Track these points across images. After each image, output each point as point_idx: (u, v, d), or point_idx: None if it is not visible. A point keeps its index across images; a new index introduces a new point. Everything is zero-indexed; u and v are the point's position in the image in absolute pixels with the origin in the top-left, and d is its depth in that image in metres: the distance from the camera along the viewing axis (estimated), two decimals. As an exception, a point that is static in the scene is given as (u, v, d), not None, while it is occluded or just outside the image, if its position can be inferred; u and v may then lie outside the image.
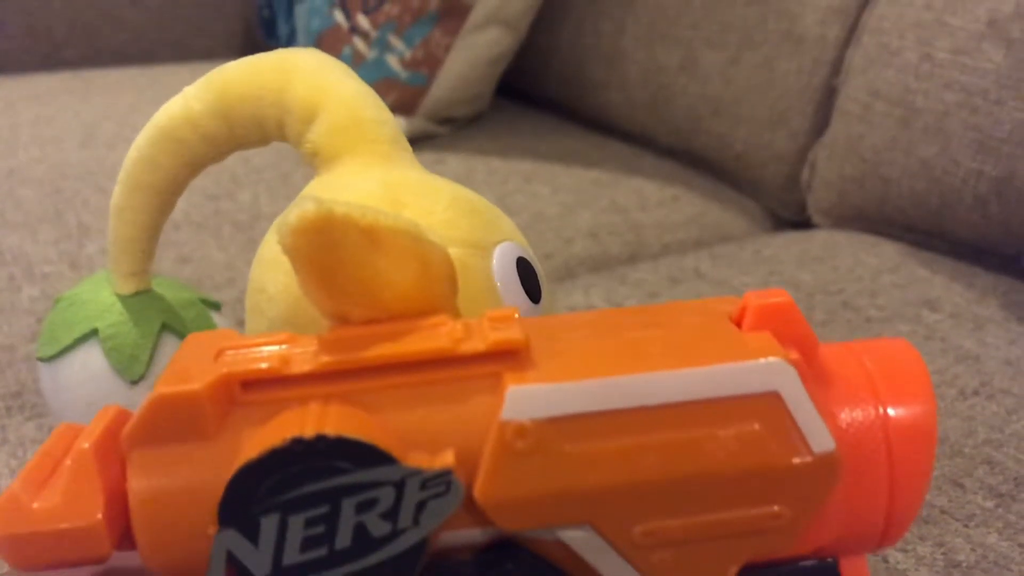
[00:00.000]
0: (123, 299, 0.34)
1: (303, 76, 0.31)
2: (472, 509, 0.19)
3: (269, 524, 0.18)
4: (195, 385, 0.19)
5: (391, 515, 0.18)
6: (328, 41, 0.77)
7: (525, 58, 0.84)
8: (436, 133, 0.79)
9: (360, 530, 0.18)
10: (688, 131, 0.78)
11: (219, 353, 0.20)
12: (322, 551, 0.18)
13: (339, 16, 0.76)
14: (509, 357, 0.20)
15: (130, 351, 0.33)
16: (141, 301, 0.34)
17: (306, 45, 0.79)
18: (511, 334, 0.20)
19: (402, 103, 0.75)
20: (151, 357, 0.33)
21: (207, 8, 1.02)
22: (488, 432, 0.18)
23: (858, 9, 0.68)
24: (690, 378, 0.19)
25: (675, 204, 0.72)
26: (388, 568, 0.18)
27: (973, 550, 0.33)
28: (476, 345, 0.20)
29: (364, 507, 0.18)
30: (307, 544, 0.18)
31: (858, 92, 0.65)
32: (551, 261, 0.63)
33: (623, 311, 0.23)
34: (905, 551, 0.33)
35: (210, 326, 0.36)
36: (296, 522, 0.18)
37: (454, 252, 0.26)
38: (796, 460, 0.19)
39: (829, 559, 0.20)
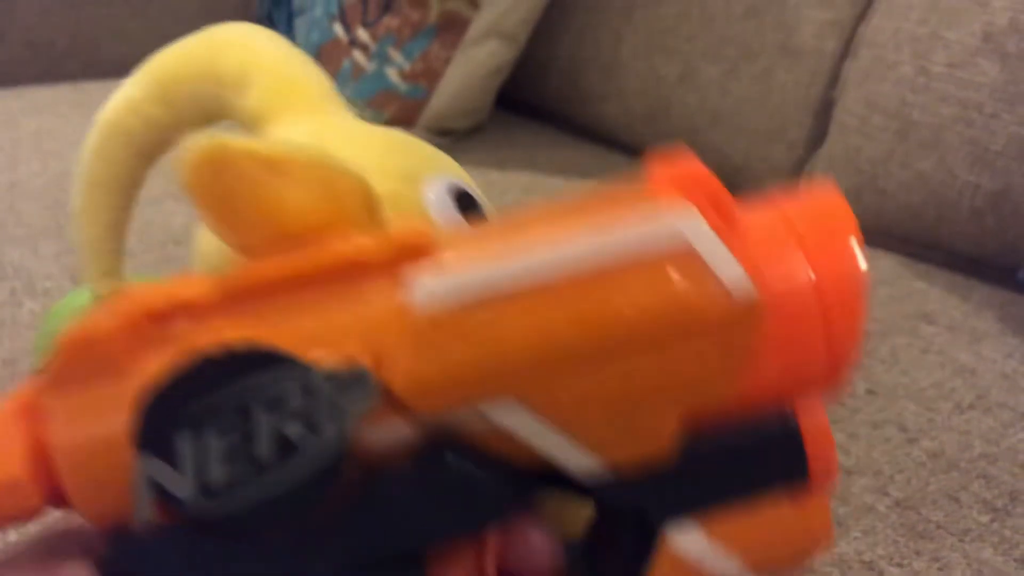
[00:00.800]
0: (98, 300, 0.34)
1: (231, 48, 0.31)
2: (392, 401, 0.18)
3: (185, 443, 0.17)
4: (101, 324, 0.19)
5: (305, 415, 0.18)
6: (328, 54, 0.77)
7: (524, 70, 0.84)
8: (436, 145, 0.79)
9: (277, 436, 0.18)
10: (686, 142, 0.78)
11: (129, 296, 0.20)
12: (244, 463, 0.18)
13: (339, 29, 0.77)
14: (414, 254, 0.19)
15: None
16: None
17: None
18: (414, 234, 0.19)
19: (401, 115, 0.76)
20: None
21: (207, 20, 1.03)
22: (396, 324, 0.18)
23: (854, 22, 0.68)
24: (594, 238, 0.18)
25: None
26: (314, 473, 0.18)
27: (969, 565, 0.33)
28: (381, 248, 0.19)
29: (275, 409, 0.18)
30: (228, 458, 0.18)
31: (855, 105, 0.65)
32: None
33: (537, 207, 0.22)
34: (901, 566, 0.33)
35: None
36: (211, 436, 0.18)
37: (386, 184, 0.26)
38: (715, 305, 0.18)
39: (787, 415, 0.20)
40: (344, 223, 0.20)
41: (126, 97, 0.32)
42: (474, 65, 0.77)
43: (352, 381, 0.18)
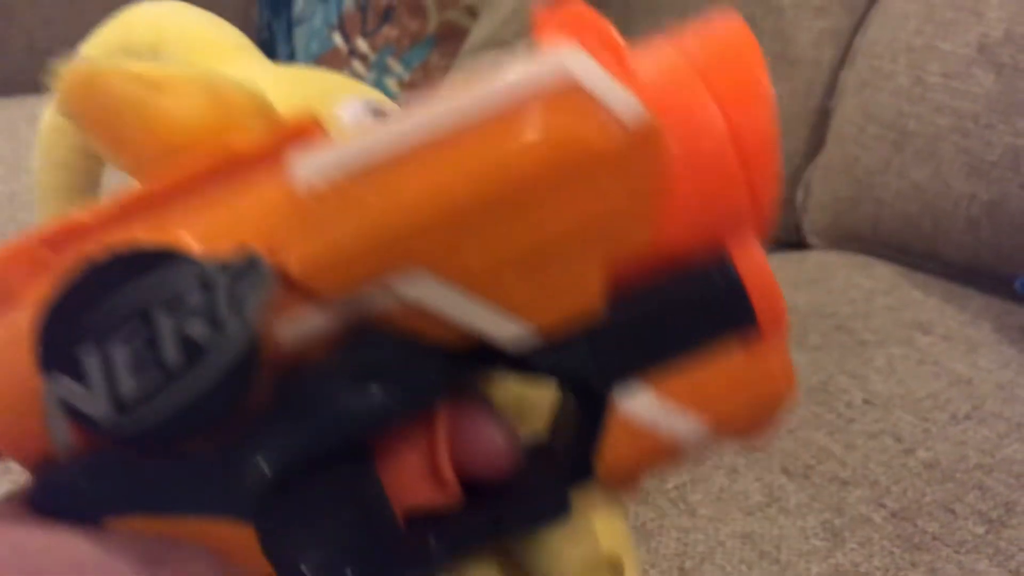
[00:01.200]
0: None
1: (140, 23, 0.32)
2: (295, 288, 0.17)
3: (90, 357, 0.17)
4: None
5: (210, 316, 0.17)
6: (327, 63, 0.78)
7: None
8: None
9: (185, 340, 0.17)
10: (684, 152, 0.78)
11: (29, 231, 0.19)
12: (155, 372, 0.17)
13: (338, 39, 0.77)
14: (300, 138, 0.18)
15: None
16: None
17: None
18: (299, 120, 0.19)
19: (400, 125, 0.76)
20: None
21: (207, 29, 1.03)
22: (284, 207, 0.17)
23: (851, 32, 0.69)
24: (474, 94, 0.17)
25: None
26: (228, 373, 0.17)
27: (964, 577, 0.34)
28: (263, 138, 0.19)
29: (179, 312, 0.17)
30: (138, 368, 0.17)
31: (852, 114, 0.66)
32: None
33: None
34: (897, 578, 0.34)
35: None
36: (117, 347, 0.17)
37: (293, 105, 0.25)
38: (609, 138, 0.17)
39: (720, 255, 0.18)
40: (237, 132, 0.19)
41: (51, 114, 0.33)
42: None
43: (246, 268, 0.17)
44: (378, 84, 0.76)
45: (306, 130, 0.18)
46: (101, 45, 0.32)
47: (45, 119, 0.33)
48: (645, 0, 0.80)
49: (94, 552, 0.17)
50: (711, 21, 0.20)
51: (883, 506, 0.37)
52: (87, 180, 0.34)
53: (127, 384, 0.17)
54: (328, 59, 0.78)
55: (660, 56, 0.19)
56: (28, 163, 0.75)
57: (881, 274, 0.60)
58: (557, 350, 0.18)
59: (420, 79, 0.76)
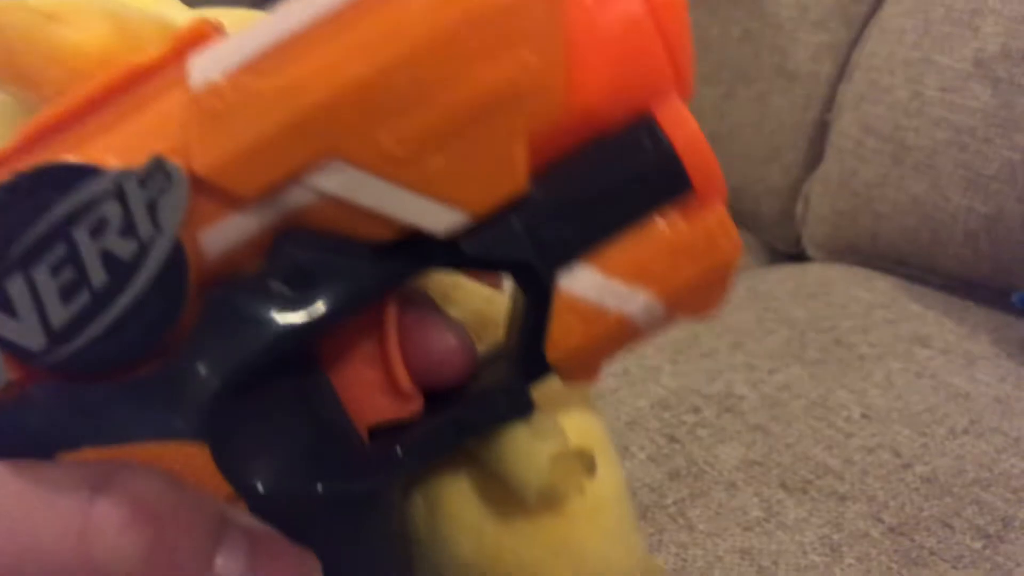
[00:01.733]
0: None
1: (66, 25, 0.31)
2: (211, 193, 0.17)
3: (16, 286, 0.16)
4: None
5: (129, 228, 0.16)
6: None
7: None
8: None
9: (108, 258, 0.17)
10: (684, 165, 0.79)
11: None
12: (84, 296, 0.17)
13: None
14: (198, 43, 0.18)
15: None
16: None
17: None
18: (194, 25, 0.18)
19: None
20: None
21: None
22: (186, 110, 0.17)
23: (849, 46, 0.69)
24: None
25: None
26: (157, 288, 0.17)
27: (961, 592, 0.34)
28: (160, 48, 0.18)
29: (98, 230, 0.16)
30: (65, 294, 0.16)
31: (850, 128, 0.66)
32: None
33: None
34: (894, 593, 0.34)
35: None
36: (42, 274, 0.16)
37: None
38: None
39: (643, 114, 0.18)
40: (139, 51, 0.19)
41: None
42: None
43: (156, 174, 0.17)
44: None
45: (203, 34, 0.18)
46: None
47: None
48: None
49: (36, 483, 0.16)
50: None
51: (881, 521, 0.38)
52: None
53: (57, 311, 0.16)
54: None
55: None
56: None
57: (880, 287, 0.61)
58: (490, 235, 0.18)
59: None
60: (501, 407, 0.19)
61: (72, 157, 0.17)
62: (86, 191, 0.17)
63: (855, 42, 0.69)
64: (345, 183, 0.17)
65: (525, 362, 0.19)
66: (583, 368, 0.19)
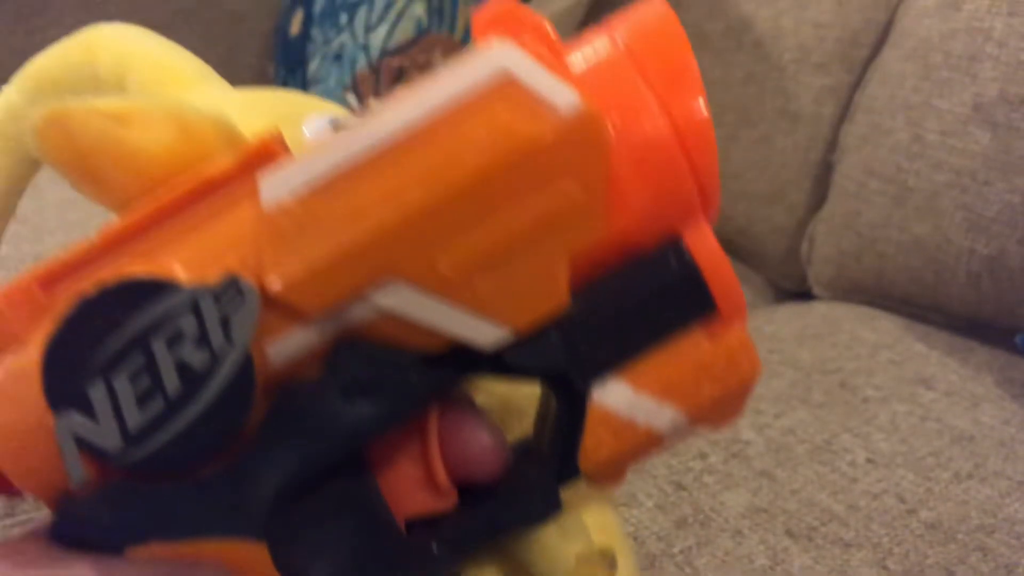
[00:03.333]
0: None
1: (107, 48, 0.32)
2: (279, 309, 0.18)
3: (98, 392, 0.18)
4: None
5: (203, 340, 0.18)
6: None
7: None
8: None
9: (183, 368, 0.18)
10: (690, 204, 0.80)
11: (19, 274, 0.20)
12: (159, 403, 0.18)
13: (352, 100, 0.79)
14: (265, 159, 0.19)
15: None
16: None
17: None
18: (261, 141, 0.19)
19: (412, 182, 0.78)
20: None
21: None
22: (257, 227, 0.18)
23: (851, 89, 0.70)
24: (419, 99, 0.18)
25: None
26: (227, 398, 0.18)
27: (965, 641, 0.34)
28: (229, 162, 0.19)
29: (174, 342, 0.18)
30: (142, 400, 0.18)
31: (853, 170, 0.67)
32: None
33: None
34: (899, 642, 0.34)
35: None
36: (121, 381, 0.18)
37: (257, 127, 0.26)
38: (550, 128, 0.18)
39: (674, 239, 0.19)
40: (203, 155, 0.20)
41: (6, 102, 0.32)
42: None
43: (232, 292, 0.18)
44: (390, 143, 0.78)
45: (270, 149, 0.19)
46: (64, 65, 0.32)
47: None
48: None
49: None
50: (638, 8, 0.21)
51: (886, 568, 0.38)
52: (16, 185, 0.34)
53: (133, 415, 0.18)
54: (342, 119, 0.80)
55: (595, 48, 0.20)
56: (53, 225, 0.77)
57: (885, 327, 0.61)
58: (531, 348, 0.19)
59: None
60: (534, 508, 0.20)
61: (145, 267, 0.18)
62: (165, 305, 0.18)
63: (857, 85, 0.70)
64: (401, 301, 0.18)
65: (557, 466, 0.20)
66: (611, 475, 0.20)
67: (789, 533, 0.40)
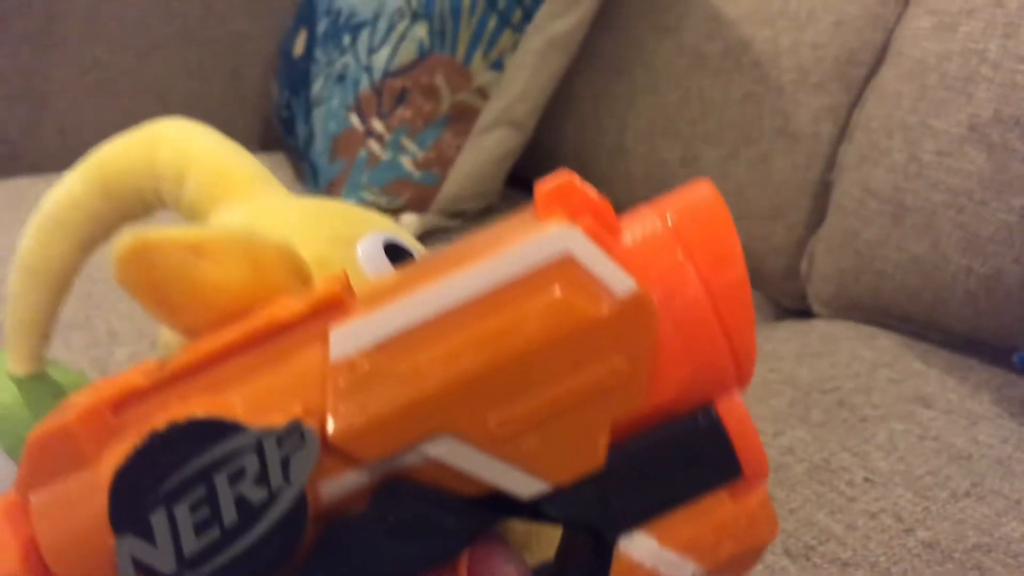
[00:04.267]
0: (18, 381, 0.35)
1: (168, 144, 0.33)
2: (335, 453, 0.20)
3: (159, 520, 0.19)
4: (66, 418, 0.20)
5: (262, 479, 0.19)
6: (344, 143, 0.81)
7: (533, 153, 0.88)
8: (448, 227, 0.82)
9: (241, 501, 0.19)
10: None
11: (92, 390, 0.21)
12: (215, 532, 0.19)
13: (355, 120, 0.80)
14: (333, 308, 0.21)
15: (22, 432, 0.35)
16: (35, 383, 0.36)
17: (323, 146, 0.83)
18: (330, 288, 0.21)
19: (415, 201, 0.79)
20: None
21: (228, 106, 1.07)
22: (323, 377, 0.20)
23: (849, 108, 0.71)
24: (484, 268, 0.20)
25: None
26: (279, 531, 0.19)
27: (961, 660, 0.34)
28: (299, 307, 0.21)
29: (236, 478, 0.19)
30: (199, 529, 0.19)
31: (851, 188, 0.68)
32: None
33: (449, 245, 0.24)
34: (896, 661, 0.34)
35: None
36: (182, 510, 0.19)
37: (316, 248, 0.28)
38: (605, 309, 0.19)
39: (706, 406, 0.21)
40: (273, 292, 0.22)
41: (68, 191, 0.34)
42: (484, 152, 0.80)
43: (294, 437, 0.19)
44: (393, 162, 0.78)
45: (338, 298, 0.21)
46: (126, 158, 0.33)
47: (49, 207, 0.34)
48: (647, 76, 0.83)
49: None
50: (687, 189, 0.23)
51: (883, 587, 0.38)
52: (71, 270, 0.35)
53: (190, 543, 0.19)
54: (346, 139, 0.81)
55: (645, 225, 0.22)
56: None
57: (884, 345, 0.62)
58: (567, 499, 0.20)
59: (434, 157, 0.78)
60: None
61: (212, 402, 0.20)
62: (231, 444, 0.19)
63: (854, 105, 0.71)
64: (450, 452, 0.20)
65: None
66: None
67: (787, 552, 0.41)
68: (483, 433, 0.20)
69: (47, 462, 0.20)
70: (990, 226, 0.57)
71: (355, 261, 0.29)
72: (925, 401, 0.53)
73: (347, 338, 0.20)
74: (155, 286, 0.21)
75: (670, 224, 0.21)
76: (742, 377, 0.21)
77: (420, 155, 0.78)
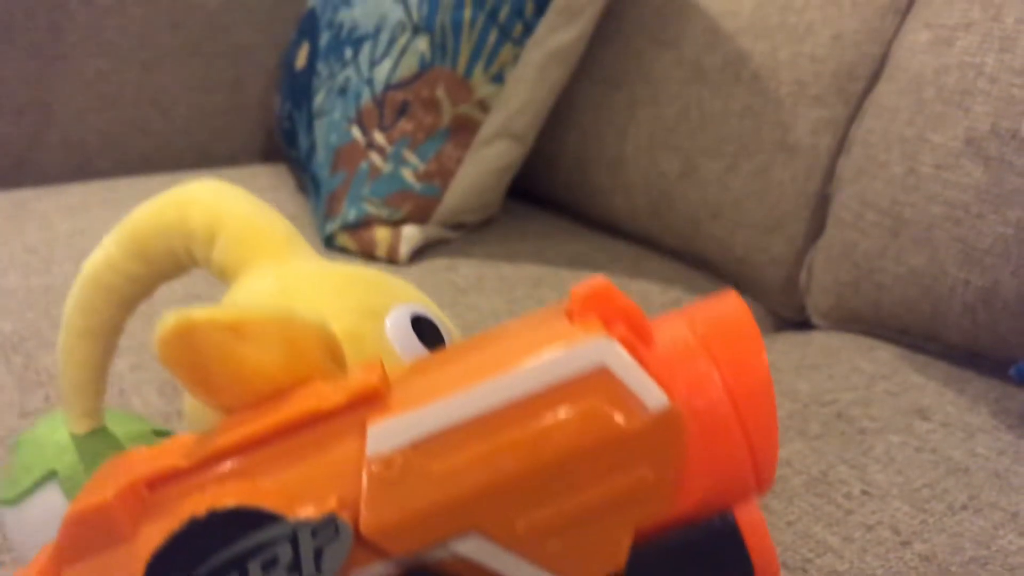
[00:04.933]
0: (77, 439, 0.36)
1: (200, 205, 0.34)
2: (366, 545, 0.20)
3: None
4: (103, 495, 0.21)
5: (295, 568, 0.20)
6: (346, 155, 0.81)
7: (534, 165, 0.88)
8: (448, 238, 0.83)
9: None
10: (689, 235, 0.81)
11: (129, 464, 0.22)
12: None
13: (356, 132, 0.81)
14: (370, 401, 0.22)
15: None
16: (95, 440, 0.37)
17: (325, 158, 0.84)
18: (368, 381, 0.22)
19: (416, 212, 0.79)
20: None
21: (230, 118, 1.08)
22: (359, 471, 0.20)
23: (847, 122, 0.71)
24: (523, 375, 0.21)
25: (678, 308, 0.74)
26: None
27: (958, 673, 0.35)
28: (339, 398, 0.22)
29: (269, 566, 0.20)
30: None
31: (850, 201, 0.68)
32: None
33: (478, 336, 0.24)
34: (892, 674, 0.35)
35: None
36: None
37: (346, 322, 0.28)
38: (638, 422, 0.20)
39: (724, 512, 0.21)
40: (308, 373, 0.23)
41: (106, 255, 0.35)
42: (485, 164, 0.80)
43: (328, 529, 0.20)
44: (394, 174, 0.79)
45: (376, 391, 0.22)
46: (159, 221, 0.35)
47: (89, 270, 0.35)
48: (647, 89, 0.83)
49: None
50: (715, 299, 0.24)
51: (880, 600, 0.38)
52: (114, 329, 0.36)
53: None
54: (347, 151, 0.81)
55: (674, 332, 0.23)
56: (62, 255, 0.78)
57: (883, 357, 0.62)
58: None
59: (435, 169, 0.79)
60: None
61: (248, 488, 0.20)
62: (267, 534, 0.20)
63: (853, 118, 0.71)
64: (477, 550, 0.20)
65: None
66: None
67: (784, 565, 0.41)
68: (511, 534, 0.20)
69: (83, 537, 0.21)
70: (987, 239, 0.58)
71: (383, 335, 0.30)
72: (923, 413, 0.53)
73: (384, 435, 0.20)
74: (196, 367, 0.22)
75: (699, 334, 0.22)
76: (762, 485, 0.22)
77: (421, 167, 0.79)
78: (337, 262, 0.34)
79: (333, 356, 0.24)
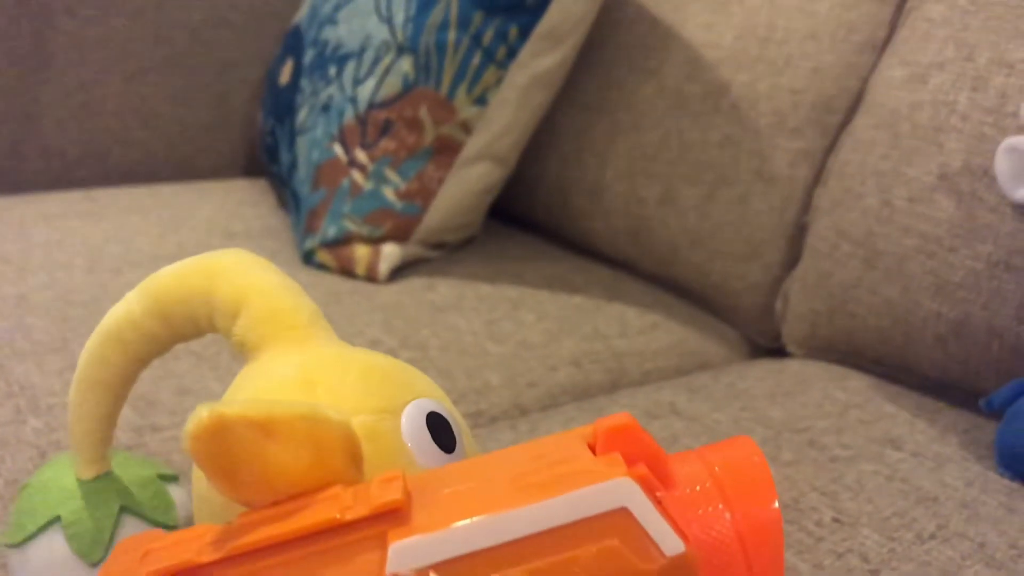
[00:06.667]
0: (83, 484, 0.37)
1: (226, 277, 0.34)
2: None
3: None
4: None
5: None
6: (327, 173, 0.81)
7: (514, 186, 0.89)
8: (428, 257, 0.83)
9: None
10: (667, 260, 0.81)
11: (145, 555, 0.23)
12: None
13: (338, 150, 0.81)
14: (392, 515, 0.22)
15: (91, 536, 0.36)
16: (100, 485, 0.37)
17: (306, 175, 0.84)
18: (391, 495, 0.22)
19: (396, 231, 0.79)
20: (111, 540, 0.36)
21: (213, 131, 1.08)
22: None
23: (824, 153, 0.73)
24: (547, 509, 0.21)
25: (655, 332, 0.75)
26: None
27: None
28: (360, 510, 0.22)
29: None
30: None
31: (826, 231, 0.69)
32: (535, 390, 0.65)
33: (498, 453, 0.25)
34: None
35: (167, 502, 0.39)
36: None
37: (364, 419, 0.29)
38: (652, 566, 0.21)
39: None
40: (329, 475, 0.23)
41: (127, 311, 0.35)
42: (466, 185, 0.81)
43: None
44: (376, 192, 0.79)
45: (399, 508, 0.22)
46: (184, 285, 0.35)
47: (108, 324, 0.36)
48: (628, 116, 0.84)
49: None
50: (732, 443, 0.25)
51: (849, 628, 0.39)
52: (127, 382, 0.37)
53: None
54: (329, 168, 0.81)
55: (692, 473, 0.24)
56: (37, 264, 0.77)
57: (856, 386, 0.63)
58: None
59: (416, 189, 0.79)
60: None
61: None
62: None
63: (830, 149, 0.72)
64: None
65: None
66: None
67: (755, 591, 0.41)
68: None
69: None
70: (959, 272, 0.59)
71: (399, 432, 0.30)
72: (894, 443, 0.54)
73: (407, 554, 0.21)
74: (224, 463, 0.22)
75: (711, 469, 0.24)
76: None
77: (403, 186, 0.79)
78: (357, 348, 0.34)
79: (354, 459, 0.24)
